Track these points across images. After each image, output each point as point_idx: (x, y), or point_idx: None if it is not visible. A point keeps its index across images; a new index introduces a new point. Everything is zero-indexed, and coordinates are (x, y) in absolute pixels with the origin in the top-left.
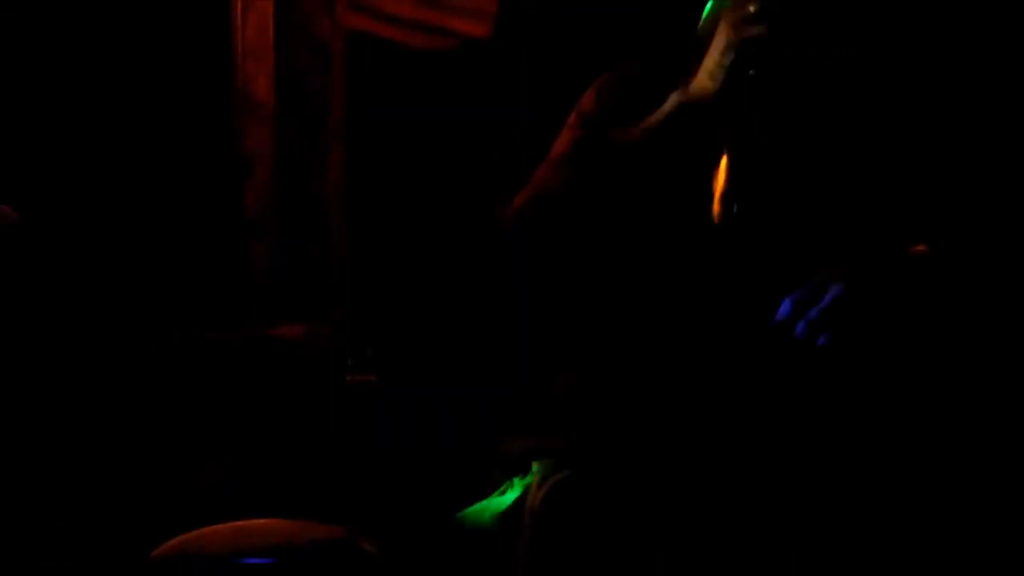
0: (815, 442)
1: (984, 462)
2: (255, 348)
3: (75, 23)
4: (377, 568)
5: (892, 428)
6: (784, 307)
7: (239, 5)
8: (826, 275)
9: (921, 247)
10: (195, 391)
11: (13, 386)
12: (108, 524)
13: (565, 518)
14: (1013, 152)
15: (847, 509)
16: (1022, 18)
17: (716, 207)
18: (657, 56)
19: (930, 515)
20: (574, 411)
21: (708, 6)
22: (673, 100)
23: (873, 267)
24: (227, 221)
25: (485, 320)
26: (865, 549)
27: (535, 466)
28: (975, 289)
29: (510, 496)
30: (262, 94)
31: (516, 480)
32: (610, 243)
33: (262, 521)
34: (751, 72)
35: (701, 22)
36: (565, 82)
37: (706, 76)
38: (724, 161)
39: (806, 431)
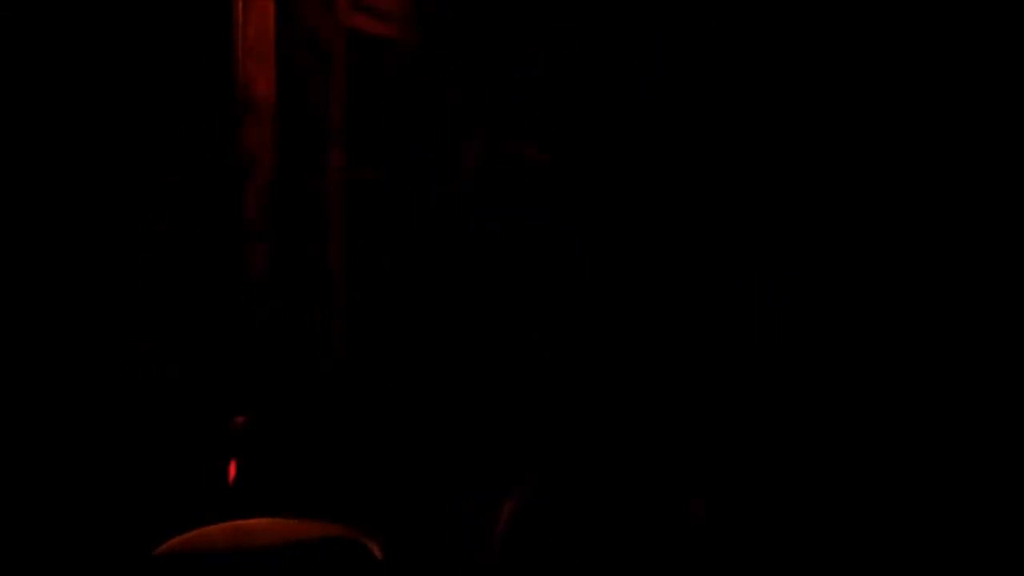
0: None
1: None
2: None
3: (77, 22)
4: (378, 567)
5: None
6: None
7: (240, 5)
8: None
9: None
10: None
11: (12, 387)
12: (108, 524)
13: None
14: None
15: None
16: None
17: None
18: None
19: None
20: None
21: None
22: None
23: None
24: (226, 221)
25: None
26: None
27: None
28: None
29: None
30: (262, 94)
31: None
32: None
33: (262, 521)
34: None
35: None
36: (564, 81)
37: None
38: None
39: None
